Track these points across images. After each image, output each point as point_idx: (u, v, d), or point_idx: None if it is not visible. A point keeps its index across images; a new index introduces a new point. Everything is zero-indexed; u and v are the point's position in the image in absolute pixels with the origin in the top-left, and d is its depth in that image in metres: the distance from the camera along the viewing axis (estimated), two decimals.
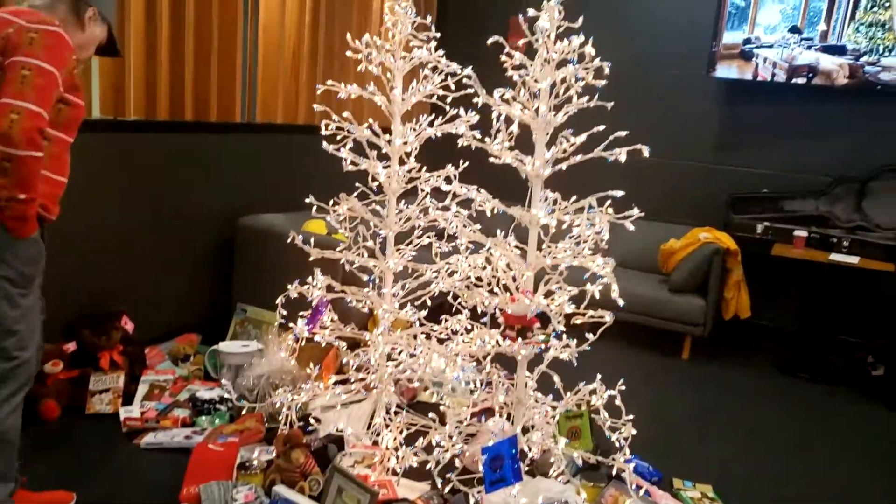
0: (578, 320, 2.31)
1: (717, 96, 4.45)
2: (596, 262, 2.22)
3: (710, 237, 4.01)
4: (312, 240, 2.69)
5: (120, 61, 2.98)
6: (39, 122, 1.80)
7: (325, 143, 2.53)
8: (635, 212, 2.29)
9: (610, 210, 2.29)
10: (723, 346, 4.32)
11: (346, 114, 2.58)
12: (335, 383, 2.85)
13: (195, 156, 3.38)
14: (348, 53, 2.61)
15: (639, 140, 2.26)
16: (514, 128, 2.28)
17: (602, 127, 2.20)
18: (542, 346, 2.29)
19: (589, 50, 2.20)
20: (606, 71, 2.28)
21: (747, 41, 4.22)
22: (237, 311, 3.48)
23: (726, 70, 4.27)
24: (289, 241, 2.76)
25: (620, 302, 2.29)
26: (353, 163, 2.55)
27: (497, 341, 2.32)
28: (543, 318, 2.34)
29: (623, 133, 2.30)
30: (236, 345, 3.12)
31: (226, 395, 2.88)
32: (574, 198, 2.34)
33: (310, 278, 2.69)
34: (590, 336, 2.27)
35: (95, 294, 3.07)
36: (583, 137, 2.23)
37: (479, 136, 2.38)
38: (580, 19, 2.30)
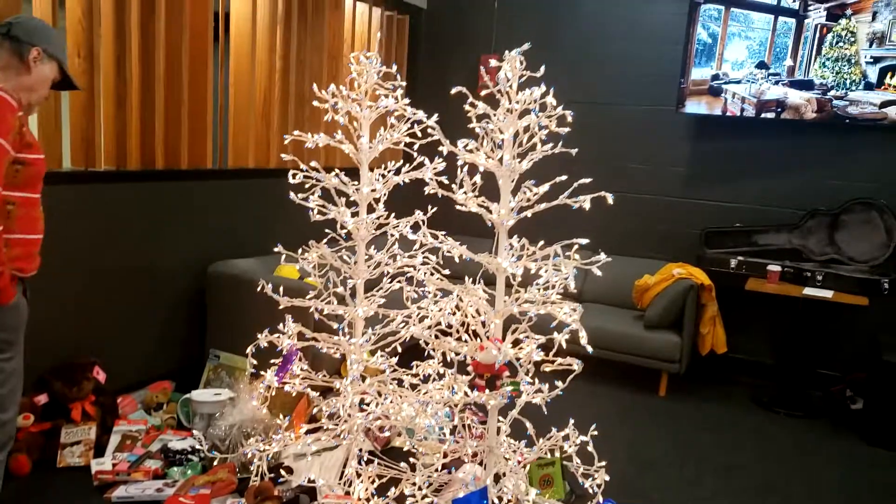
0: (548, 368, 2.31)
1: (687, 132, 4.52)
2: (563, 310, 2.23)
3: (684, 272, 4.04)
4: (282, 287, 2.69)
5: (90, 113, 2.99)
6: None
7: (291, 194, 2.54)
8: (602, 257, 2.32)
9: (577, 256, 2.31)
10: (700, 381, 4.34)
11: (313, 163, 2.60)
12: (307, 432, 2.83)
13: (166, 204, 3.38)
14: (315, 103, 2.64)
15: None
16: (478, 178, 2.31)
17: (564, 177, 2.23)
18: (511, 394, 2.29)
19: (550, 100, 2.23)
20: (570, 119, 2.32)
21: (715, 77, 4.30)
22: (210, 357, 3.46)
23: (696, 106, 4.33)
24: (259, 289, 2.76)
25: (589, 349, 2.30)
26: (320, 212, 2.56)
27: (466, 391, 2.32)
28: (513, 365, 2.34)
29: (587, 180, 2.33)
30: (208, 393, 3.09)
31: (198, 446, 2.85)
32: (541, 243, 2.37)
33: (281, 325, 2.69)
34: (559, 383, 2.28)
35: (67, 345, 3.05)
36: (546, 187, 2.25)
37: (445, 183, 2.40)
38: (542, 69, 2.34)
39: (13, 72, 1.95)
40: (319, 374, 2.74)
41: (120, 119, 3.12)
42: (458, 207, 2.41)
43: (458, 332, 2.46)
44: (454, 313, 2.48)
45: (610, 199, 2.26)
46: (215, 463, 2.77)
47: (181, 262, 3.51)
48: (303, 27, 4.00)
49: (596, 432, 2.45)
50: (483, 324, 2.38)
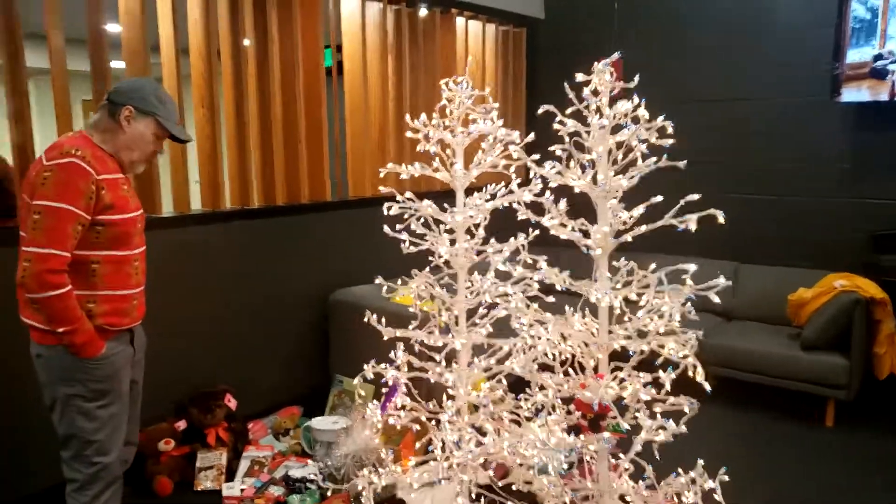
0: (658, 408, 2.09)
1: (844, 122, 3.97)
2: (669, 346, 2.00)
3: (848, 284, 3.53)
4: (384, 318, 2.67)
5: (213, 159, 3.19)
6: (50, 264, 1.87)
7: (385, 227, 2.52)
8: (721, 281, 2.05)
9: (690, 282, 2.06)
10: (876, 410, 3.75)
11: (408, 193, 2.57)
12: (417, 464, 2.78)
13: (289, 237, 3.53)
14: (409, 134, 2.61)
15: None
16: (563, 204, 2.14)
17: (659, 198, 2.00)
18: (617, 436, 2.09)
19: (642, 113, 2.02)
20: (670, 130, 2.09)
21: (878, 57, 3.73)
22: (334, 382, 3.55)
23: (855, 93, 3.79)
24: (365, 319, 2.77)
25: (707, 387, 2.03)
26: (412, 243, 2.51)
27: (563, 435, 2.15)
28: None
29: (695, 196, 2.07)
30: (327, 421, 3.16)
31: (316, 474, 2.92)
32: (652, 266, 2.14)
33: (392, 353, 2.67)
34: (692, 404, 2.02)
35: (203, 373, 3.26)
36: (640, 209, 2.04)
37: (537, 202, 2.25)
38: (636, 78, 2.13)
39: (111, 133, 2.06)
40: (430, 405, 2.69)
41: (242, 161, 3.30)
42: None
43: (561, 365, 2.30)
44: (558, 344, 2.32)
45: (721, 217, 1.99)
46: (329, 493, 2.81)
47: (305, 291, 3.64)
48: (414, 52, 4.03)
49: (726, 477, 2.16)
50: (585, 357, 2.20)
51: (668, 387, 1.98)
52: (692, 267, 2.03)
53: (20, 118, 2.60)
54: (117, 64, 2.84)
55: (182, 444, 3.07)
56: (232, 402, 3.23)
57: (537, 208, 2.24)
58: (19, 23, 2.57)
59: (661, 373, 2.01)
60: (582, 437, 2.12)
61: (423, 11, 4.06)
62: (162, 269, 2.95)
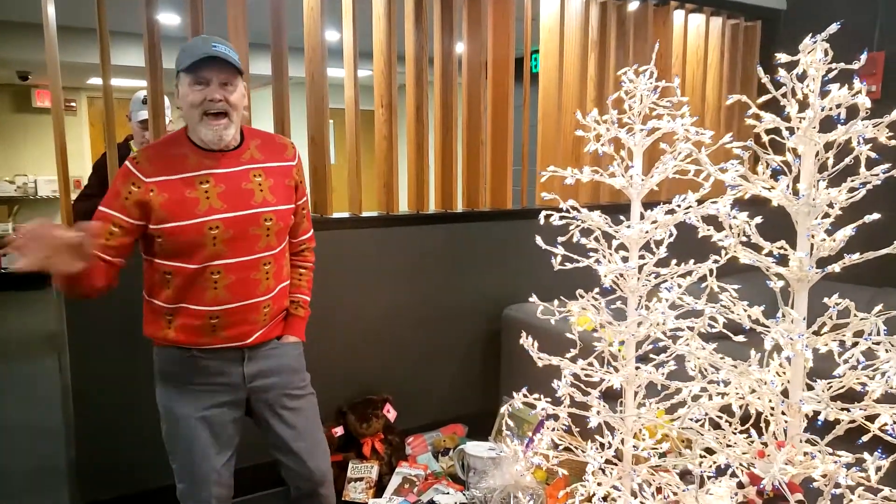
0: (866, 502, 1.52)
1: None
2: (881, 421, 1.44)
3: None
4: (536, 342, 2.36)
5: (389, 161, 3.13)
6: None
7: (538, 238, 2.22)
8: None
9: None
10: None
11: (570, 201, 2.24)
12: None
13: (466, 245, 3.36)
14: (579, 132, 2.27)
15: None
16: (750, 218, 1.67)
17: (876, 216, 1.45)
18: None
19: (862, 100, 1.49)
20: None
21: None
22: (503, 404, 3.29)
23: None
24: (521, 342, 2.48)
25: None
26: (566, 260, 2.17)
27: None
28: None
29: None
30: (483, 447, 2.91)
31: (460, 503, 2.69)
32: (878, 308, 1.59)
33: (554, 383, 2.35)
34: None
35: (366, 379, 3.21)
36: (849, 230, 1.51)
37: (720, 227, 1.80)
38: (862, 57, 1.59)
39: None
40: (590, 448, 2.32)
41: (419, 164, 3.21)
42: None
43: (742, 423, 1.81)
44: (742, 398, 1.84)
45: None
46: None
47: (479, 303, 3.44)
48: (621, 49, 3.64)
49: None
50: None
51: (873, 474, 1.43)
52: None
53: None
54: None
55: (337, 451, 3.03)
56: (391, 413, 3.13)
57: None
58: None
59: (865, 454, 1.45)
60: None
61: (633, 4, 3.66)
62: (332, 270, 2.95)
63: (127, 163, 1.80)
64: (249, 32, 2.73)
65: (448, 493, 2.79)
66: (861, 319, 1.57)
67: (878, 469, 1.45)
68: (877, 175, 1.52)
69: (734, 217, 1.70)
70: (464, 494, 2.77)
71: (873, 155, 1.54)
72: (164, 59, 2.62)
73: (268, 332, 1.96)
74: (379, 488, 2.94)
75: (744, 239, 1.70)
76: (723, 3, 3.87)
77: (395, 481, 2.96)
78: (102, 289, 1.78)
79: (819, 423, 1.53)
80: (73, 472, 2.81)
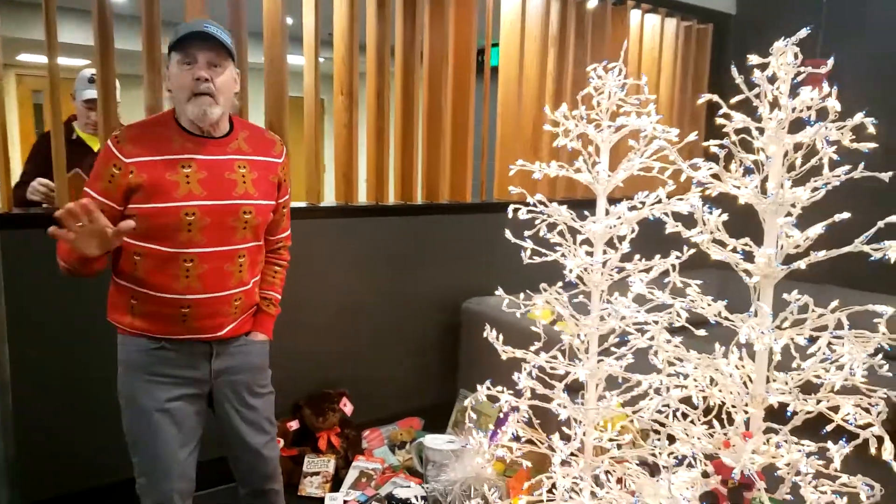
0: (825, 488, 1.58)
1: None
2: (845, 411, 1.50)
3: None
4: (501, 335, 2.36)
5: (349, 151, 3.08)
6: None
7: (507, 232, 2.22)
8: None
9: (883, 328, 1.56)
10: None
11: (538, 196, 2.25)
12: None
13: (424, 238, 3.34)
14: (546, 127, 2.29)
15: None
16: (719, 215, 1.71)
17: (845, 215, 1.51)
18: None
19: (832, 103, 1.54)
20: (871, 129, 1.59)
21: None
22: (459, 397, 3.29)
23: None
24: (484, 335, 2.48)
25: (895, 466, 1.51)
26: (534, 254, 2.18)
27: (706, 499, 1.71)
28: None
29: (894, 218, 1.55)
30: (441, 439, 2.91)
31: (420, 496, 2.68)
32: (834, 303, 1.65)
33: (516, 375, 2.36)
34: (873, 484, 1.52)
35: (321, 373, 3.15)
36: (819, 228, 1.56)
37: (686, 223, 1.84)
38: (830, 61, 1.65)
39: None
40: (553, 439, 2.34)
41: (379, 155, 3.17)
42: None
43: (706, 413, 1.86)
44: (703, 390, 1.89)
45: None
46: None
47: (437, 296, 3.43)
48: (580, 46, 3.67)
49: None
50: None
51: (836, 463, 1.49)
52: (888, 310, 1.52)
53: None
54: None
55: (292, 446, 2.98)
56: (347, 407, 3.09)
57: (691, 222, 1.83)
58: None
59: (829, 443, 1.51)
60: None
61: (592, 2, 3.70)
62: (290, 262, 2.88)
63: (109, 142, 1.75)
64: (209, 16, 2.63)
65: (409, 487, 2.77)
66: (820, 316, 1.63)
67: (842, 457, 1.50)
68: (838, 176, 1.58)
69: (708, 214, 1.74)
70: (423, 487, 2.76)
71: (836, 157, 1.60)
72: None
73: (238, 328, 1.92)
74: (335, 483, 2.90)
75: (715, 235, 1.74)
76: (677, 4, 3.96)
77: (351, 475, 2.93)
78: (101, 271, 1.77)
79: (788, 413, 1.58)
80: (15, 471, 2.66)
